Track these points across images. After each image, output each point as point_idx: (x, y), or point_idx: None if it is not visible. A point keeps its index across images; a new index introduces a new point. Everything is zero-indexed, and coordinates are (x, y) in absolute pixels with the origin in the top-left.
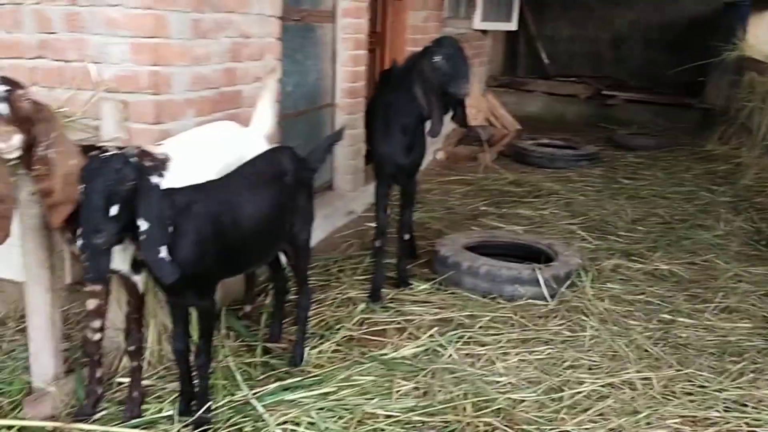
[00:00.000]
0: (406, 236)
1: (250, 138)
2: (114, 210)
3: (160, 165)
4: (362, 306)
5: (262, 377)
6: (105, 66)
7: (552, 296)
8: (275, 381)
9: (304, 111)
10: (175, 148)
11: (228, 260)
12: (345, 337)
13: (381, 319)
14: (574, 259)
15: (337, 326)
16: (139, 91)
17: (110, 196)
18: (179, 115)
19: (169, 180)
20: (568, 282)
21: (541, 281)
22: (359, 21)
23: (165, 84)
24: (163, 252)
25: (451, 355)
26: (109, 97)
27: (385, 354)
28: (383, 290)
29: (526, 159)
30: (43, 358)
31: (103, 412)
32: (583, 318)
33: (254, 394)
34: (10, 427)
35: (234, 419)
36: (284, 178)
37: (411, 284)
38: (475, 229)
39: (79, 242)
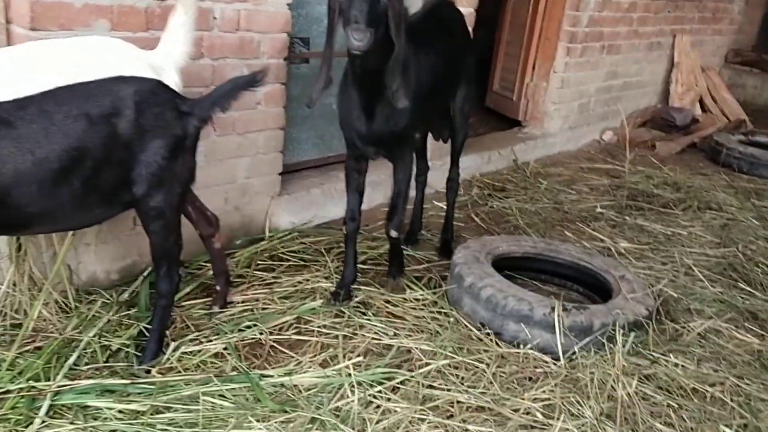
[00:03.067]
0: (393, 233)
1: (142, 65)
2: None
3: None
4: (316, 304)
5: (100, 367)
6: None
7: (565, 353)
8: (109, 377)
9: None
10: None
11: None
12: (247, 340)
13: (319, 327)
14: (633, 306)
15: (249, 324)
16: None
17: None
18: (75, 24)
19: None
20: (595, 337)
21: (557, 328)
22: None
23: None
24: None
25: (351, 403)
26: None
27: (271, 376)
28: (364, 289)
29: (719, 158)
30: None
31: None
32: (584, 401)
33: (58, 387)
34: None
35: (7, 413)
36: (115, 119)
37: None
38: (568, 236)
39: None
